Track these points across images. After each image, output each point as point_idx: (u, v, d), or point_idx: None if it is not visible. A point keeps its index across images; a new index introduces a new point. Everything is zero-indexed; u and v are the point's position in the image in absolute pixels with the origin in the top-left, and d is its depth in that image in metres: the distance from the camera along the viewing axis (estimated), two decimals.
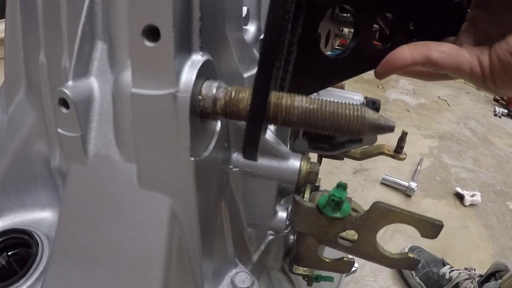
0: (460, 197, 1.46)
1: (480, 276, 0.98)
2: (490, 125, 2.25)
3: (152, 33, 0.18)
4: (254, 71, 0.35)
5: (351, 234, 0.39)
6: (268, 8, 0.17)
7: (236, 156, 0.33)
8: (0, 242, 0.36)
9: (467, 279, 0.97)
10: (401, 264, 0.41)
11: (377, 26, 0.39)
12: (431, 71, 0.32)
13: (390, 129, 0.22)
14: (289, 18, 0.21)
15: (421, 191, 1.47)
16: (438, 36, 0.32)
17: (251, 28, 0.38)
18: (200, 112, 0.20)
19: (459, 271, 1.00)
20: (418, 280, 1.03)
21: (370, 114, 0.21)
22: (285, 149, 0.34)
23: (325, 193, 0.41)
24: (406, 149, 0.61)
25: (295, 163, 0.34)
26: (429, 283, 1.02)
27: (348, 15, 0.60)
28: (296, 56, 0.28)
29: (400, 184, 1.43)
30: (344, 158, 0.61)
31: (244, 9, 0.35)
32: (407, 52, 0.28)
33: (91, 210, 0.25)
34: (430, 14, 0.32)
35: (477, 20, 0.30)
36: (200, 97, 0.19)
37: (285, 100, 0.20)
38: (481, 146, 1.96)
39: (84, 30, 0.25)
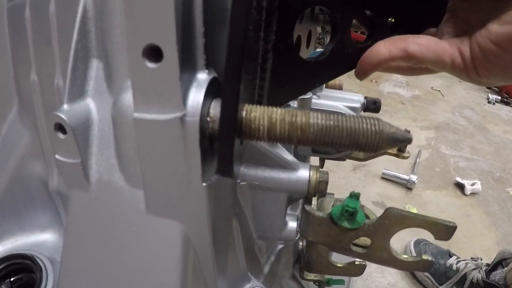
0: (460, 186, 1.46)
1: (487, 265, 0.98)
2: (484, 112, 2.26)
3: (154, 53, 0.16)
4: None
5: (364, 240, 0.39)
6: (229, 22, 0.16)
7: (243, 170, 0.31)
8: (2, 268, 0.35)
9: (474, 269, 0.97)
10: (416, 267, 0.41)
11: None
12: (412, 66, 0.31)
13: (408, 141, 0.21)
14: (259, 26, 0.20)
15: (421, 183, 1.48)
16: (420, 29, 0.31)
17: None
18: (210, 135, 0.18)
19: (465, 261, 1.01)
20: (426, 273, 1.03)
21: (387, 128, 0.20)
22: (293, 159, 0.33)
23: (338, 202, 0.40)
24: None
25: (304, 173, 0.33)
26: (436, 275, 1.02)
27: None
28: (273, 63, 0.26)
29: (400, 178, 1.42)
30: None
31: None
32: (383, 47, 0.27)
33: (97, 239, 0.23)
34: (411, 6, 0.30)
35: (458, 9, 0.29)
36: (209, 119, 0.18)
37: (300, 118, 0.19)
38: (477, 134, 1.97)
39: (77, 48, 0.24)
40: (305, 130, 0.19)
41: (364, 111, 0.60)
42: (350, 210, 0.30)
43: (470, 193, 1.42)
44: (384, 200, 1.34)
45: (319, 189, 0.34)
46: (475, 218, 1.32)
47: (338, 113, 0.20)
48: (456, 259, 1.01)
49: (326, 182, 0.34)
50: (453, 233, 0.38)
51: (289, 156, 0.33)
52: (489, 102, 2.42)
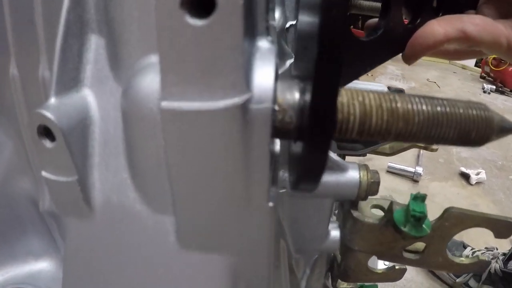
0: (465, 176, 1.46)
1: (503, 254, 0.95)
2: (481, 102, 2.27)
3: (200, 3, 0.10)
4: (285, 67, 0.28)
5: (418, 245, 0.34)
6: None
7: (283, 175, 0.25)
8: None
9: (491, 259, 0.94)
10: (472, 268, 0.38)
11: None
12: (463, 49, 0.29)
13: None
14: None
15: (427, 175, 1.46)
16: (459, 12, 0.29)
17: (275, 16, 0.31)
18: (278, 131, 0.12)
19: (481, 251, 0.98)
20: None
21: (495, 115, 0.16)
22: (339, 158, 0.27)
23: (375, 203, 0.35)
24: None
25: (354, 174, 0.27)
26: None
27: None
28: None
29: (406, 171, 1.41)
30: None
31: None
32: (438, 27, 0.24)
33: (108, 282, 0.17)
34: None
35: None
36: (277, 107, 0.12)
37: (401, 103, 0.13)
38: None
39: (69, 19, 0.17)
40: (409, 120, 0.13)
41: None
42: (418, 215, 0.25)
43: (476, 183, 1.41)
44: (392, 194, 1.31)
45: (370, 191, 0.28)
46: (482, 207, 1.30)
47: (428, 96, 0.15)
48: (471, 250, 0.98)
49: (378, 183, 0.28)
50: None
51: (334, 155, 0.27)
52: (484, 92, 2.43)
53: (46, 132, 0.16)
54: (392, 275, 0.39)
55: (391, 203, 0.27)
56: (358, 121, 0.13)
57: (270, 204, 0.13)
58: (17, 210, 0.32)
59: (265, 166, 0.12)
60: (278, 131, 0.13)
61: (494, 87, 2.47)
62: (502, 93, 2.46)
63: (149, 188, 0.16)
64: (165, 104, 0.12)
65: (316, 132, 0.12)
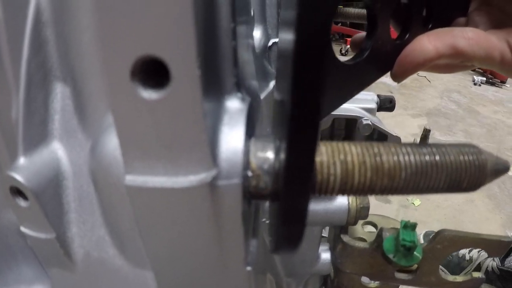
0: None
1: None
2: (472, 94, 2.29)
3: (153, 73, 0.09)
4: (269, 88, 0.27)
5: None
6: None
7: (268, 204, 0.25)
8: None
9: (488, 257, 0.95)
10: (465, 286, 0.37)
11: None
12: (455, 63, 0.27)
13: (507, 171, 0.16)
14: None
15: None
16: (449, 20, 0.28)
17: (256, 34, 0.30)
18: (251, 196, 0.12)
19: (478, 250, 0.98)
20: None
21: (490, 158, 0.15)
22: None
23: (369, 223, 0.34)
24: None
25: (342, 201, 0.26)
26: (449, 267, 1.00)
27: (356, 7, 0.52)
28: None
29: None
30: None
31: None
32: (428, 43, 0.23)
33: None
34: None
35: None
36: (250, 173, 0.11)
37: (386, 157, 0.12)
38: (468, 117, 1.98)
39: (30, 69, 0.16)
40: (395, 176, 0.13)
41: (377, 111, 0.55)
42: (408, 244, 0.24)
43: None
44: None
45: (360, 216, 0.27)
46: (478, 203, 1.31)
47: (425, 145, 0.14)
48: (468, 248, 0.99)
49: (368, 208, 0.28)
50: (507, 248, 0.35)
51: None
52: (475, 84, 2.45)
53: (18, 192, 0.15)
54: None
55: (381, 229, 0.27)
56: (339, 182, 0.12)
57: (248, 268, 0.12)
58: (6, 241, 0.31)
59: (239, 237, 0.11)
60: (252, 195, 0.12)
61: (485, 78, 2.49)
62: (493, 84, 2.48)
63: (127, 246, 0.15)
64: (129, 179, 0.11)
65: (290, 202, 0.11)
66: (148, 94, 0.09)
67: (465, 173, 0.14)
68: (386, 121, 0.55)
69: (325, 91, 0.24)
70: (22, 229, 0.17)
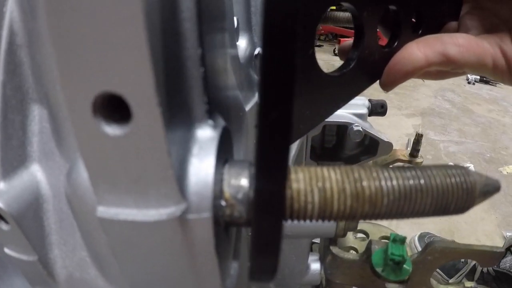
0: None
1: None
2: (466, 93, 2.30)
3: (114, 109, 0.09)
4: (255, 99, 0.27)
5: None
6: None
7: None
8: None
9: None
10: None
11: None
12: (446, 70, 0.26)
13: (497, 191, 0.16)
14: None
15: None
16: (440, 25, 0.27)
17: (241, 43, 0.29)
18: (226, 224, 0.11)
19: None
20: None
21: (479, 180, 0.14)
22: None
23: (359, 233, 0.34)
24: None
25: None
26: (445, 269, 1.00)
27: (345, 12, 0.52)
28: None
29: None
30: None
31: (234, 19, 0.26)
32: (418, 51, 0.22)
33: None
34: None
35: None
36: (223, 203, 0.11)
37: (367, 183, 0.12)
38: (462, 116, 1.99)
39: (6, 92, 0.16)
40: (376, 203, 0.12)
41: (369, 116, 0.55)
42: (397, 259, 0.24)
43: None
44: None
45: (349, 228, 0.27)
46: None
47: (409, 167, 0.14)
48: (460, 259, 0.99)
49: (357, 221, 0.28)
50: (500, 259, 0.35)
51: None
52: (469, 83, 2.46)
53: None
54: None
55: (370, 242, 0.27)
56: (317, 210, 0.12)
57: None
58: None
59: (214, 268, 0.11)
60: (228, 223, 0.12)
61: (479, 77, 2.51)
62: (487, 82, 2.50)
63: (107, 269, 0.15)
64: (101, 210, 0.11)
65: (261, 234, 0.11)
66: (112, 130, 0.09)
67: (452, 196, 0.13)
68: (381, 121, 0.55)
69: (309, 105, 0.24)
70: (6, 250, 0.17)
